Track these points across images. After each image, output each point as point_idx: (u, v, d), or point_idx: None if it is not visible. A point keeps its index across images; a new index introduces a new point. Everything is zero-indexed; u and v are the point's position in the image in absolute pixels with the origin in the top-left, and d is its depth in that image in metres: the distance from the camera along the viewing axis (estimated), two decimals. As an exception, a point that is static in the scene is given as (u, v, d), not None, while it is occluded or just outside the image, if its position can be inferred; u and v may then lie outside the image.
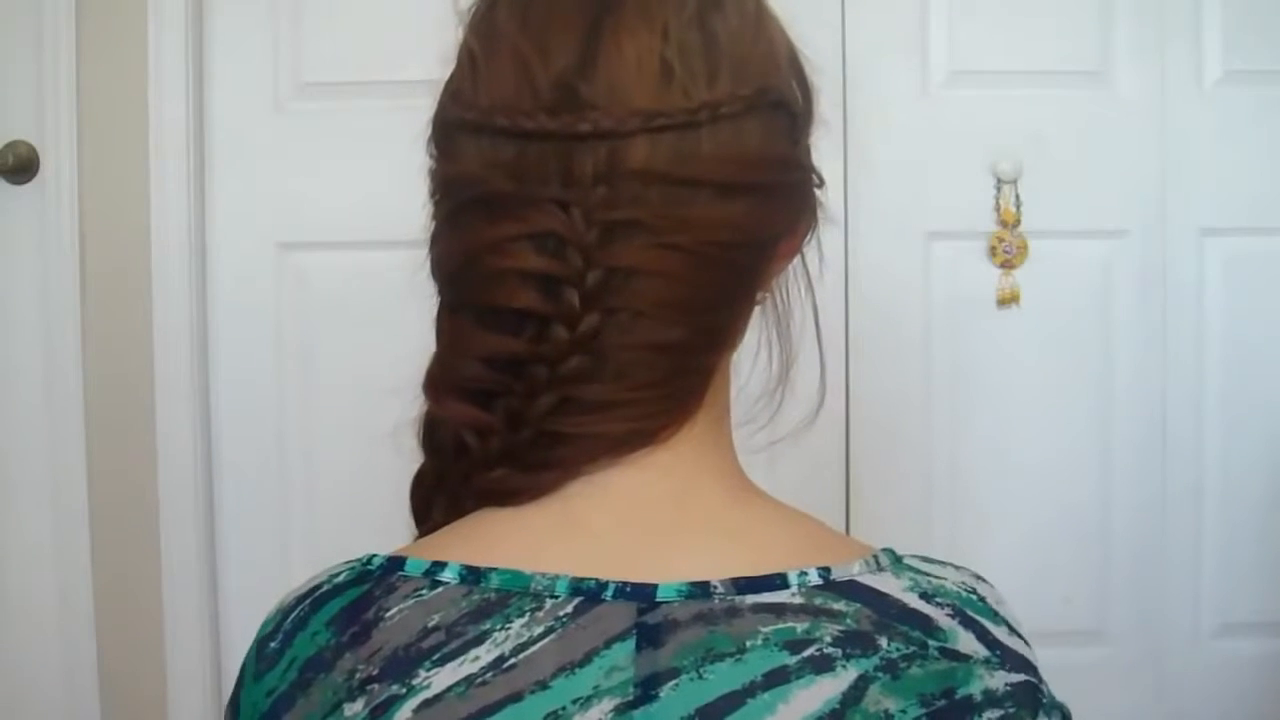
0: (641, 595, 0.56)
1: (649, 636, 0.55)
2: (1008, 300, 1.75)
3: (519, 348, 0.58)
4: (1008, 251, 1.75)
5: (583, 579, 0.57)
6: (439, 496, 0.64)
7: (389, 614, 0.57)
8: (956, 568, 0.61)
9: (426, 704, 0.54)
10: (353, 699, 0.55)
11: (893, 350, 1.76)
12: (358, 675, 0.56)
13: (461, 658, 0.55)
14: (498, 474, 0.60)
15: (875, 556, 0.59)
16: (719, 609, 0.56)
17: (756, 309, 0.66)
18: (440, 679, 0.55)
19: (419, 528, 0.65)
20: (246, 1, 1.73)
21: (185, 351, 1.72)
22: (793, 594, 0.56)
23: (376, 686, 0.55)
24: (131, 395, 1.72)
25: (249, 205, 1.75)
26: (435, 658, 0.55)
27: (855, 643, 0.55)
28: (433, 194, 0.62)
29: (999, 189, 1.75)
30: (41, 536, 1.72)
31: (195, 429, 1.72)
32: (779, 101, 0.60)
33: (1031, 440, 1.77)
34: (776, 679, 0.54)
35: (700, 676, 0.54)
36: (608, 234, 0.57)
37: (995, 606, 0.59)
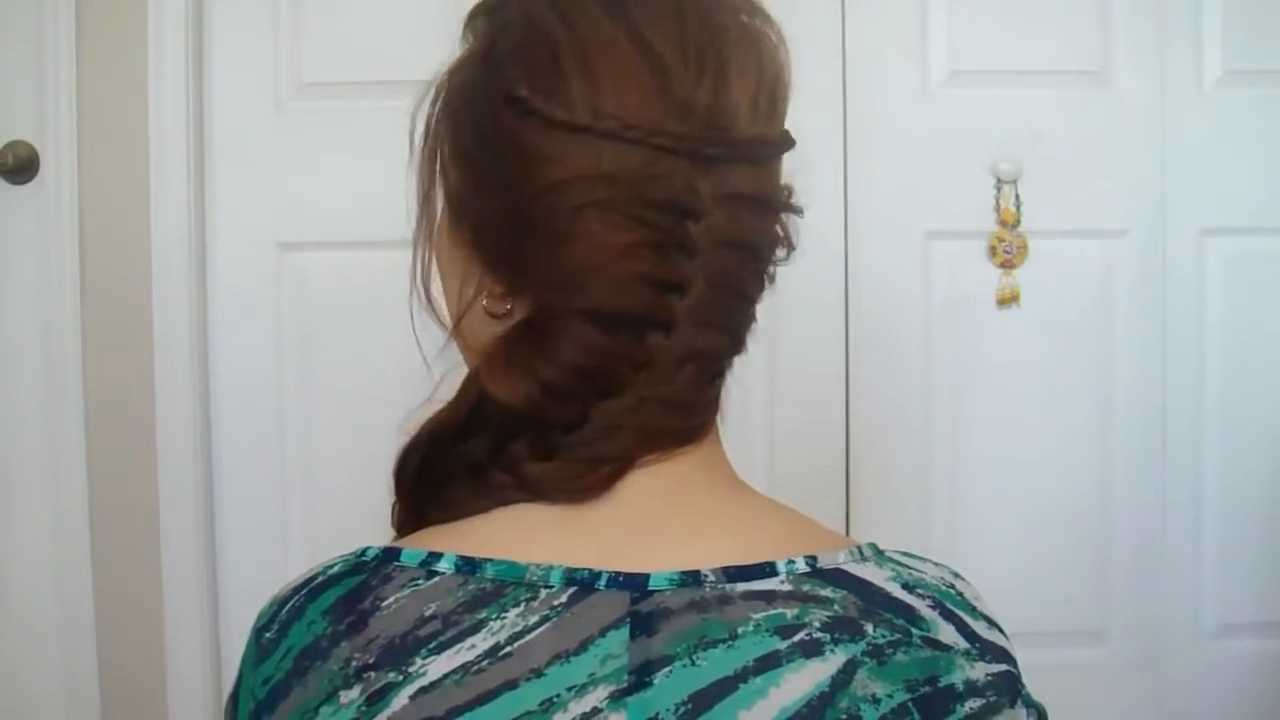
0: (634, 584, 0.58)
1: (642, 624, 0.57)
2: (1008, 300, 1.75)
3: (620, 349, 0.60)
4: (1008, 251, 1.75)
5: (576, 569, 0.58)
6: (462, 480, 0.63)
7: (385, 603, 0.58)
8: (935, 564, 0.64)
9: (423, 691, 0.56)
10: (349, 686, 0.56)
11: (893, 350, 1.76)
12: (354, 663, 0.57)
13: (458, 646, 0.56)
14: (555, 465, 0.60)
15: (859, 548, 0.62)
16: (710, 597, 0.57)
17: None
18: (436, 667, 0.56)
19: (405, 495, 0.65)
20: (246, 1, 1.73)
21: (185, 351, 1.71)
22: (781, 581, 0.58)
23: (373, 674, 0.56)
24: (131, 395, 1.72)
25: (249, 205, 1.75)
26: (431, 646, 0.57)
27: (843, 628, 0.57)
28: (493, 183, 0.61)
29: (999, 189, 1.75)
30: (41, 537, 1.72)
31: (195, 429, 1.72)
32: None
33: (1031, 440, 1.77)
34: (768, 663, 0.56)
35: (693, 663, 0.56)
36: (716, 251, 0.60)
37: (973, 602, 0.62)
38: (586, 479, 0.60)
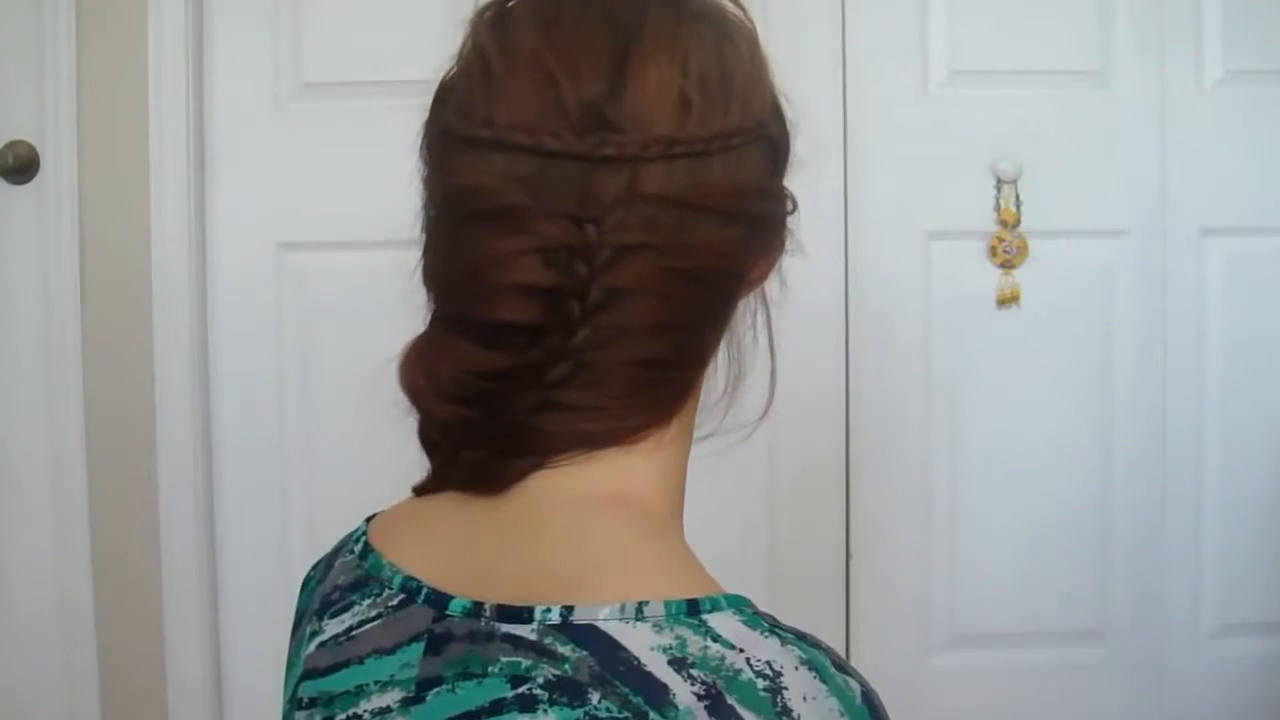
0: (439, 604, 0.60)
1: (434, 644, 0.59)
2: (1008, 300, 1.75)
3: (508, 362, 0.59)
4: (1008, 251, 1.75)
5: (411, 577, 0.63)
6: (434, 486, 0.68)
7: (336, 564, 0.69)
8: (803, 646, 0.55)
9: (321, 645, 0.65)
10: (304, 621, 0.69)
11: (893, 350, 1.76)
12: (313, 607, 0.68)
13: (341, 617, 0.65)
14: (470, 454, 0.62)
15: (641, 605, 0.55)
16: (482, 631, 0.58)
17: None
18: (330, 629, 0.65)
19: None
20: (246, 1, 1.73)
21: (185, 351, 1.72)
22: (532, 629, 0.56)
23: (315, 620, 0.67)
24: (132, 395, 1.72)
25: (249, 205, 1.75)
26: (331, 610, 0.66)
27: (564, 690, 0.54)
28: (428, 204, 0.63)
29: (999, 189, 1.75)
30: (41, 536, 1.72)
31: (195, 429, 1.72)
32: (769, 135, 0.63)
33: (1031, 440, 1.77)
34: (497, 709, 0.55)
35: (454, 690, 0.57)
36: (619, 254, 0.58)
37: (792, 704, 0.52)
38: (504, 470, 0.61)
